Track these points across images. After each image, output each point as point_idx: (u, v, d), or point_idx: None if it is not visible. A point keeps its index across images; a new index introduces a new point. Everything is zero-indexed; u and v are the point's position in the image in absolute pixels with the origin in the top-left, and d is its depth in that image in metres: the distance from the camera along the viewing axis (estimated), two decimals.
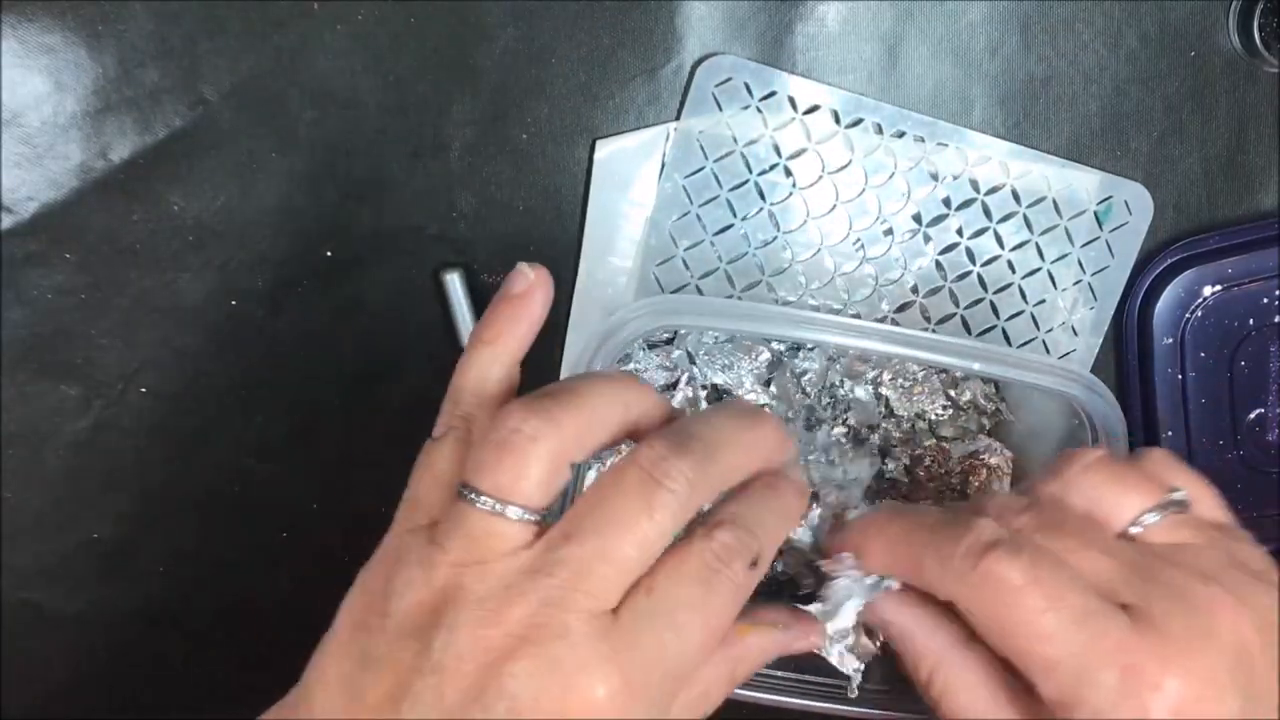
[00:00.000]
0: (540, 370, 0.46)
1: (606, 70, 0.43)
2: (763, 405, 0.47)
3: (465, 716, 0.26)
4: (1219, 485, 0.48)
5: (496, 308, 0.33)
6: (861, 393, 0.48)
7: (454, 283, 0.44)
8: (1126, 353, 0.47)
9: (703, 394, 0.46)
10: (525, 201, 0.44)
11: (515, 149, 0.44)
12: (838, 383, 0.47)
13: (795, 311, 0.41)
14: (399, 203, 0.44)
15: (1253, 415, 0.48)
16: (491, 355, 0.33)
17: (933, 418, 0.48)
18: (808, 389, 0.47)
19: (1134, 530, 0.32)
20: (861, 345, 0.39)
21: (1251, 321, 0.47)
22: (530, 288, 0.33)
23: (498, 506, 0.28)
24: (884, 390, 0.48)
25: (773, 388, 0.47)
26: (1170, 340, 0.47)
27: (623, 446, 0.47)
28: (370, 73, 0.42)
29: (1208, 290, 0.47)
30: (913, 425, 0.48)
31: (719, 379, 0.47)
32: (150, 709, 0.47)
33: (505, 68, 0.43)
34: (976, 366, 0.40)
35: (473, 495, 0.28)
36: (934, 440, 0.48)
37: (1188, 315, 0.47)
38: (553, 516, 0.29)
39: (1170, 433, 0.47)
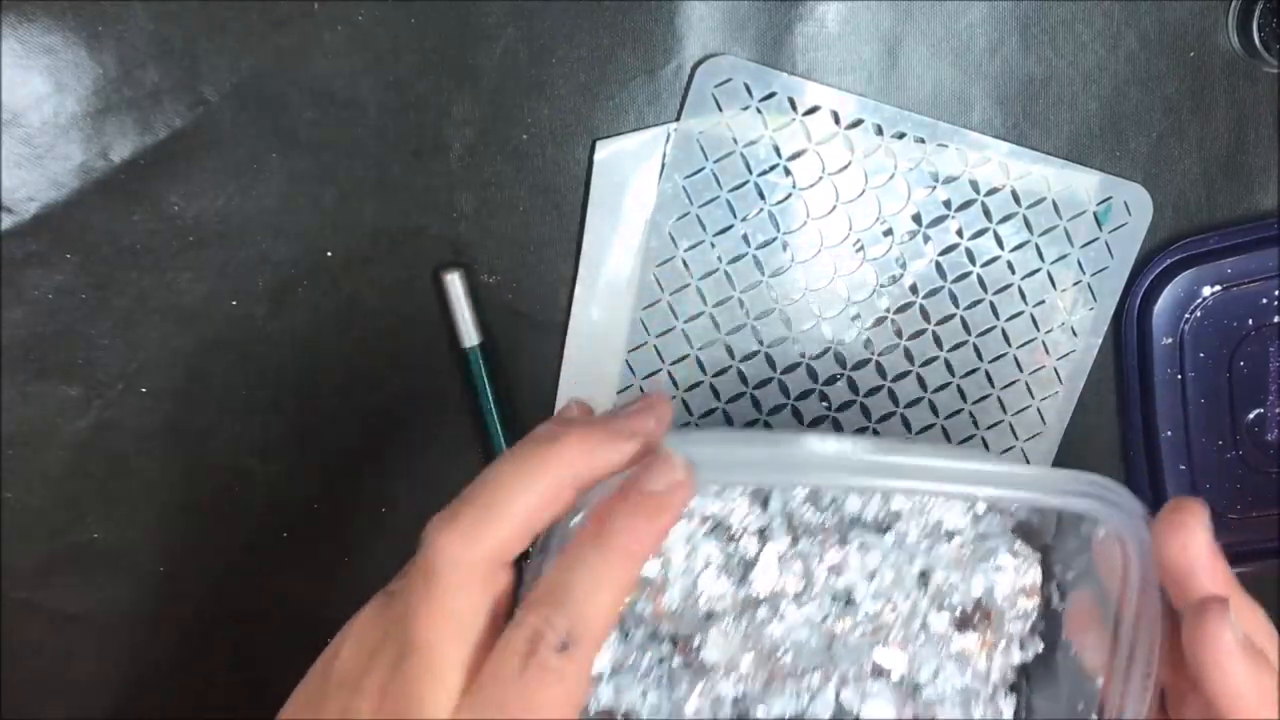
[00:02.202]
0: (538, 378, 0.46)
1: (606, 70, 0.43)
2: (761, 528, 0.37)
3: None
4: (1219, 485, 0.49)
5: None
6: (864, 508, 0.38)
7: (454, 283, 0.44)
8: (1126, 353, 0.47)
9: (701, 530, 0.36)
10: (525, 201, 0.44)
11: (515, 149, 0.44)
12: (838, 498, 0.37)
13: (787, 453, 0.34)
14: (399, 203, 0.44)
15: (1252, 415, 0.48)
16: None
17: (950, 527, 0.38)
18: (805, 508, 0.37)
19: None
20: (856, 483, 0.34)
21: (1251, 321, 0.47)
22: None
23: None
24: (894, 504, 0.38)
25: (771, 505, 0.37)
26: (1170, 340, 0.47)
27: None
28: (370, 73, 0.42)
29: (1207, 290, 0.47)
30: (931, 538, 0.38)
31: (713, 508, 0.37)
32: (150, 709, 0.47)
33: (505, 68, 0.43)
34: (981, 494, 0.34)
35: None
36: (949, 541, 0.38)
37: (1187, 315, 0.47)
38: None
39: (1170, 433, 0.47)
